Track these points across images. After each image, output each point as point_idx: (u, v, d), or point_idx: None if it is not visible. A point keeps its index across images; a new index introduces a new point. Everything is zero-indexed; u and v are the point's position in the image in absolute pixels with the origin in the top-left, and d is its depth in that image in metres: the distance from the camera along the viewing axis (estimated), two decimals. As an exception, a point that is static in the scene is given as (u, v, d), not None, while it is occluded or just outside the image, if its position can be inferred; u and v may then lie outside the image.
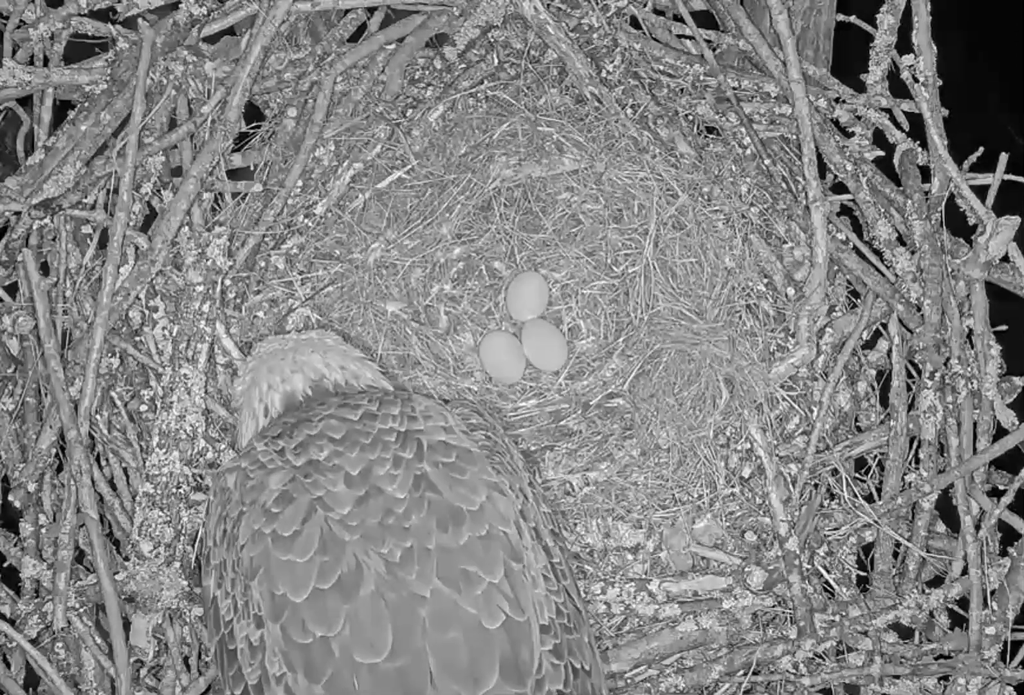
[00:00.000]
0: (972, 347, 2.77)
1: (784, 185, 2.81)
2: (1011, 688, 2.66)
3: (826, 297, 2.75)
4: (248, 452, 2.11)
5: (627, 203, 2.79)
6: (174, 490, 2.57)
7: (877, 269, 2.81)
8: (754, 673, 2.64)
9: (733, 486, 2.69)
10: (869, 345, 2.84)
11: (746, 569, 2.64)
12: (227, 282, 2.68)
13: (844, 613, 2.66)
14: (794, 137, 2.83)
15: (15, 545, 2.70)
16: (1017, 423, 2.74)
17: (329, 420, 2.09)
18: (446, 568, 1.88)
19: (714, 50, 2.88)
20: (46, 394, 2.70)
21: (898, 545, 2.76)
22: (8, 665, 2.66)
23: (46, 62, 2.81)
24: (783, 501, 2.66)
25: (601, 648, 2.62)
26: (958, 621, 2.73)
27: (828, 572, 2.72)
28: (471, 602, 1.86)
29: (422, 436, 2.04)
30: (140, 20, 2.73)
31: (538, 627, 1.88)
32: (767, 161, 2.82)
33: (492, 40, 2.83)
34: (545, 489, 2.65)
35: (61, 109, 2.81)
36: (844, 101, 2.87)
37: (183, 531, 2.57)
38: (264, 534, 1.94)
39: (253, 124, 2.82)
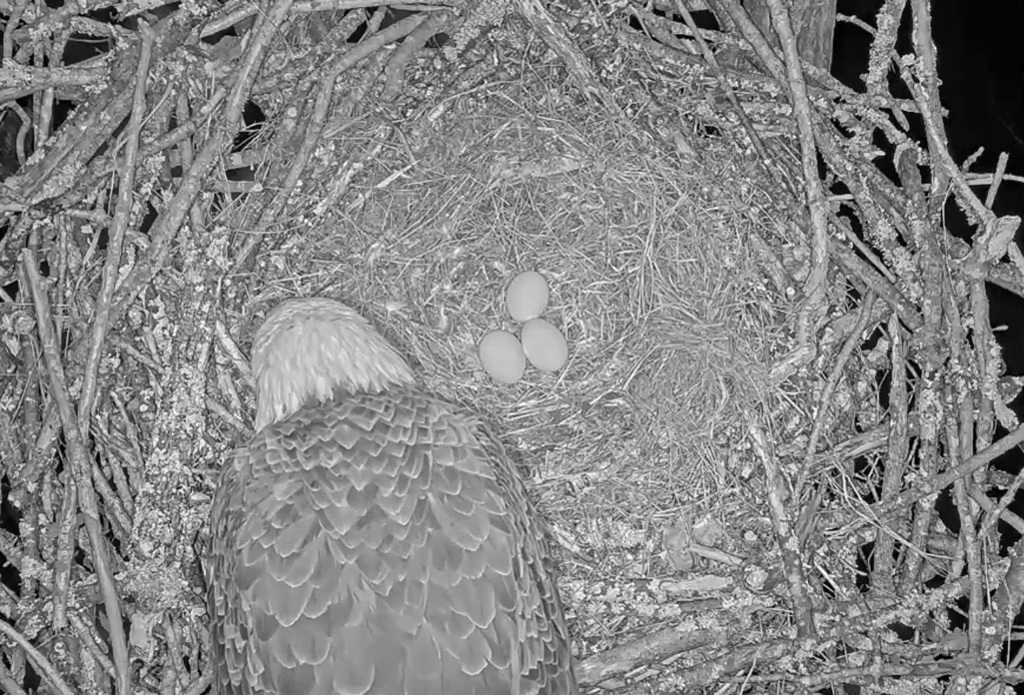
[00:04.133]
0: (972, 347, 2.77)
1: (784, 185, 2.81)
2: (1011, 688, 2.66)
3: (826, 297, 2.76)
4: (259, 447, 2.11)
5: (627, 203, 2.79)
6: (174, 490, 2.57)
7: (877, 269, 2.81)
8: (754, 673, 2.64)
9: (733, 486, 2.69)
10: (869, 345, 2.84)
11: (746, 569, 2.64)
12: (227, 282, 2.68)
13: (844, 613, 2.66)
14: (794, 137, 2.83)
15: (15, 545, 2.70)
16: (1017, 423, 2.74)
17: (342, 426, 2.08)
18: (436, 608, 1.90)
19: (714, 50, 2.88)
20: (46, 394, 2.70)
21: (898, 545, 2.76)
22: (8, 665, 2.66)
23: (46, 62, 2.81)
24: (783, 501, 2.66)
25: (601, 648, 2.63)
26: (958, 621, 2.73)
27: (828, 572, 2.72)
28: (455, 646, 1.88)
29: (430, 453, 2.04)
30: (140, 20, 2.73)
31: (519, 675, 1.91)
32: (767, 161, 2.82)
33: (492, 40, 2.83)
34: (545, 489, 2.66)
35: (61, 109, 2.81)
36: (844, 101, 2.87)
37: (183, 531, 2.57)
38: (263, 548, 1.95)
39: (253, 124, 2.82)
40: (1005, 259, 2.78)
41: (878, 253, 2.82)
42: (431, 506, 1.97)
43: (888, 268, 2.80)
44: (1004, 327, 2.79)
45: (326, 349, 2.21)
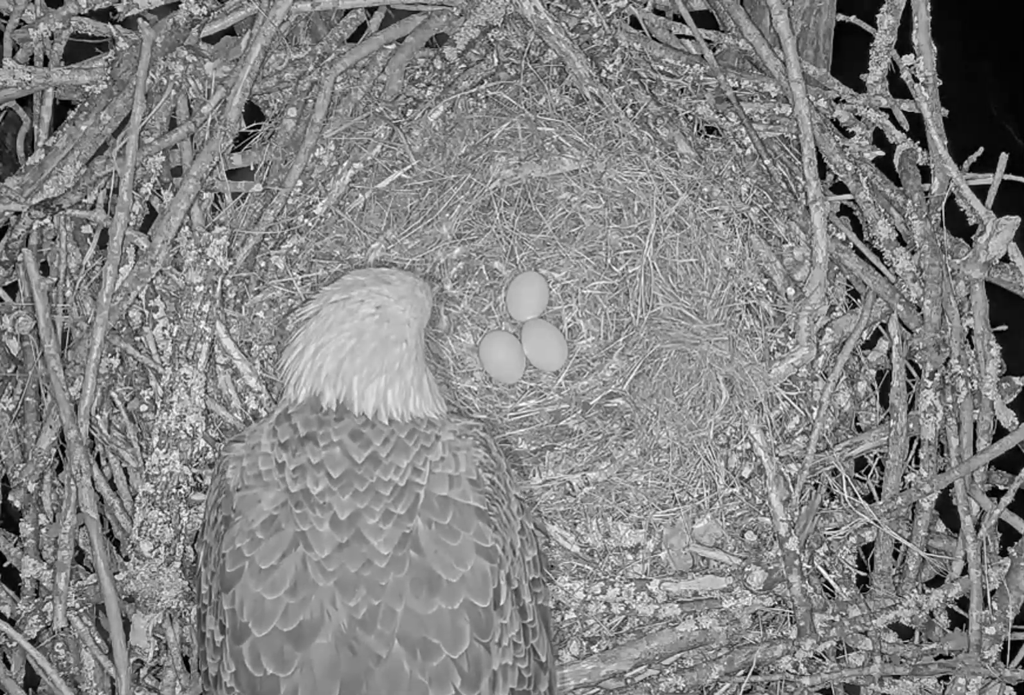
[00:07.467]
0: (972, 347, 2.77)
1: (784, 185, 2.81)
2: (1011, 688, 2.67)
3: (826, 297, 2.76)
4: (253, 448, 2.10)
5: (627, 203, 2.79)
6: (174, 490, 2.57)
7: (877, 269, 2.81)
8: (754, 673, 2.64)
9: (733, 486, 2.69)
10: (869, 345, 2.84)
11: (746, 569, 2.64)
12: (227, 282, 2.68)
13: (844, 613, 2.66)
14: (794, 137, 2.83)
15: (15, 545, 2.70)
16: (1017, 423, 2.74)
17: (334, 450, 2.05)
18: (408, 633, 1.92)
19: (714, 50, 2.88)
20: (46, 394, 2.71)
21: (898, 545, 2.76)
22: (8, 665, 2.66)
23: (46, 62, 2.81)
24: (783, 501, 2.66)
25: (601, 648, 2.63)
26: (958, 621, 2.73)
27: (828, 572, 2.72)
28: (424, 671, 1.91)
29: (421, 491, 2.02)
30: (140, 20, 2.73)
31: None
32: (767, 161, 2.82)
33: (492, 40, 2.83)
34: (545, 489, 2.66)
35: (61, 109, 2.81)
36: (844, 101, 2.87)
37: (183, 531, 2.57)
38: (244, 556, 1.98)
39: (253, 124, 2.82)
40: (1005, 259, 2.78)
41: (878, 253, 2.82)
42: (418, 532, 1.99)
43: (888, 268, 2.80)
44: (1004, 327, 2.79)
45: (349, 363, 2.08)
